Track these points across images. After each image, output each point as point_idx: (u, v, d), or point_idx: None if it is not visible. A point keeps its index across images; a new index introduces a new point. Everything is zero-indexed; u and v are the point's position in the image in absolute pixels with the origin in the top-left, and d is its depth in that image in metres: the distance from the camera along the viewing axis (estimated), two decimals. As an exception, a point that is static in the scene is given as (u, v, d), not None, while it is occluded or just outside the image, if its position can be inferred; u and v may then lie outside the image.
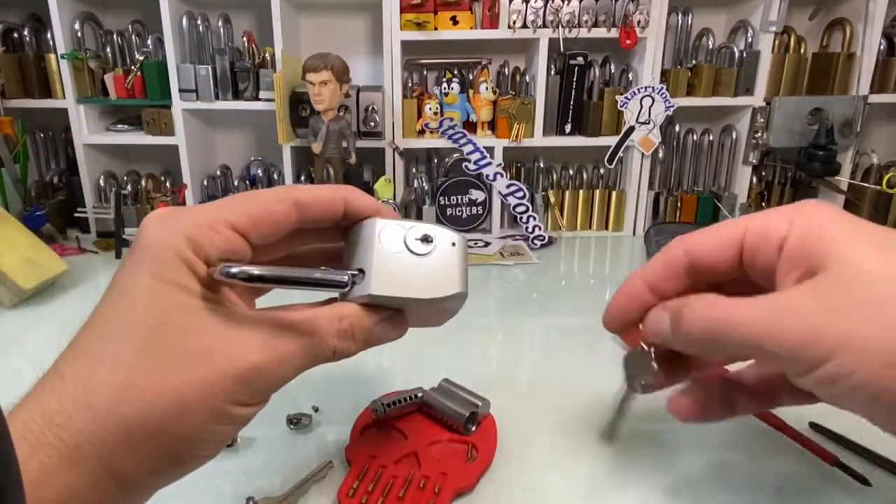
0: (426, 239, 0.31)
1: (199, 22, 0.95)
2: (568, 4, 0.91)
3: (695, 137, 1.03)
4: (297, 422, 0.47)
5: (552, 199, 1.01)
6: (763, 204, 1.05)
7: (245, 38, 0.97)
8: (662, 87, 0.95)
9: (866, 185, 0.99)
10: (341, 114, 0.90)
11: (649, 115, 0.96)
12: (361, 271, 0.30)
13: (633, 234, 1.03)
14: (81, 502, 0.22)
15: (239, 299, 0.31)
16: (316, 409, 0.49)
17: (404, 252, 0.31)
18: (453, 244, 0.32)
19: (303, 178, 1.00)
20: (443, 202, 0.99)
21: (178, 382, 0.24)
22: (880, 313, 0.22)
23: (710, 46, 1.00)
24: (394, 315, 0.32)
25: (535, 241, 0.96)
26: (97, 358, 0.24)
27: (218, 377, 0.24)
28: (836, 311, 0.22)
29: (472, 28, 0.93)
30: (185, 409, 0.24)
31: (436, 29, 0.93)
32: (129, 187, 1.00)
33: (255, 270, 0.26)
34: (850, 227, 0.24)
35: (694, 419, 0.33)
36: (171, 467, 0.25)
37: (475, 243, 0.94)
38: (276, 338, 0.27)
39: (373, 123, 0.96)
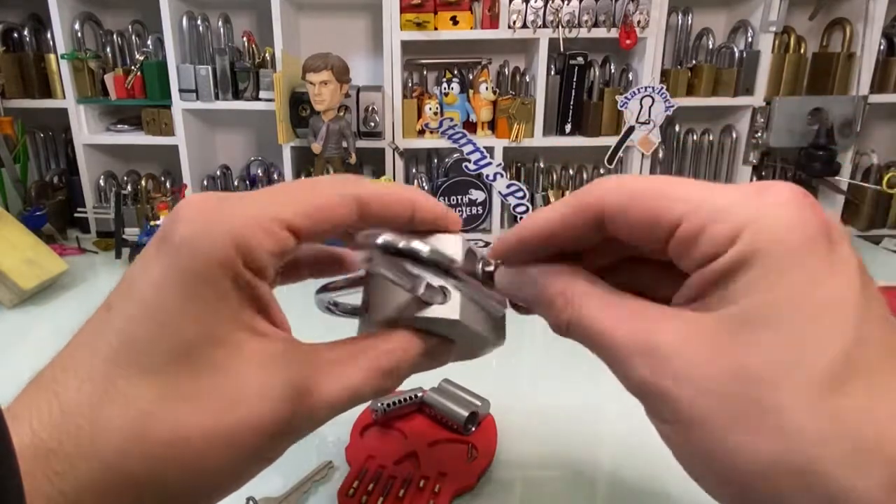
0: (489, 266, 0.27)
1: (199, 22, 0.95)
2: (568, 4, 0.91)
3: (695, 137, 1.03)
4: (297, 422, 0.47)
5: (552, 199, 1.01)
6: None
7: (245, 38, 0.97)
8: (662, 87, 0.95)
9: (866, 185, 0.99)
10: (341, 114, 0.90)
11: (649, 115, 0.96)
12: (443, 289, 0.26)
13: (633, 234, 1.03)
14: None
15: (284, 319, 0.25)
16: (316, 410, 0.49)
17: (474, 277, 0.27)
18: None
19: (303, 177, 1.00)
20: (443, 202, 0.99)
21: (200, 439, 0.20)
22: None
23: (710, 46, 1.00)
24: (441, 345, 0.27)
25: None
26: (107, 388, 0.19)
27: (244, 433, 0.20)
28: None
29: (472, 28, 0.93)
30: (203, 464, 0.20)
31: (436, 29, 0.93)
32: (129, 187, 1.00)
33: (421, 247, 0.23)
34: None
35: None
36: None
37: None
38: (311, 381, 0.22)
39: (373, 123, 0.96)
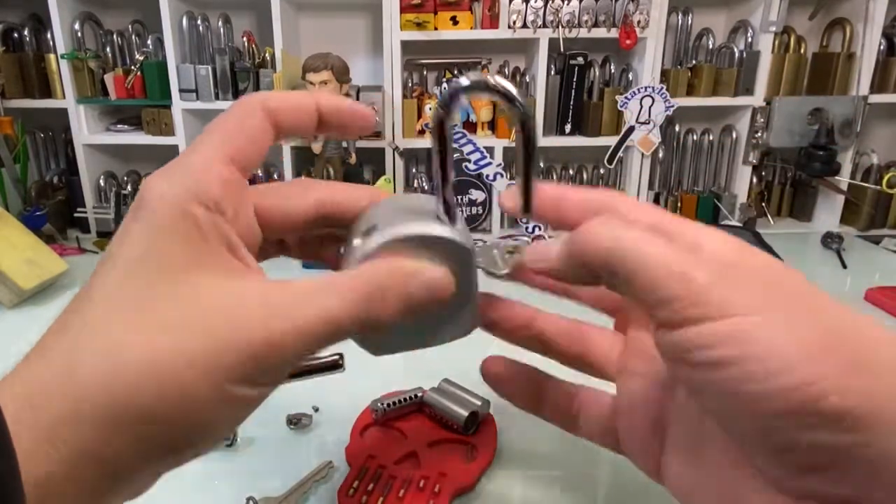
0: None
1: (199, 22, 0.95)
2: (568, 4, 0.91)
3: (695, 137, 1.03)
4: (297, 422, 0.47)
5: (552, 199, 1.01)
6: (763, 204, 1.05)
7: (245, 38, 0.97)
8: (662, 87, 0.95)
9: (866, 185, 0.99)
10: (341, 114, 0.89)
11: (649, 115, 0.96)
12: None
13: (633, 234, 1.03)
14: (61, 491, 0.19)
15: (255, 261, 0.26)
16: (316, 409, 0.49)
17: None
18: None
19: (302, 177, 1.00)
20: (443, 202, 0.99)
21: (176, 354, 0.20)
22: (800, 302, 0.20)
23: (710, 46, 1.00)
24: (433, 267, 0.26)
25: (536, 241, 0.96)
26: (84, 322, 0.20)
27: (224, 350, 0.20)
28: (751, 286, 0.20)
29: (472, 28, 0.93)
30: (182, 388, 0.20)
31: (436, 29, 0.93)
32: (129, 187, 1.00)
33: None
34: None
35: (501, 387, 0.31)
36: (166, 455, 0.21)
37: (475, 243, 0.94)
38: (293, 307, 0.22)
39: (373, 123, 0.96)
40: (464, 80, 0.24)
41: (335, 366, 0.27)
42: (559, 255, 0.25)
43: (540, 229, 0.97)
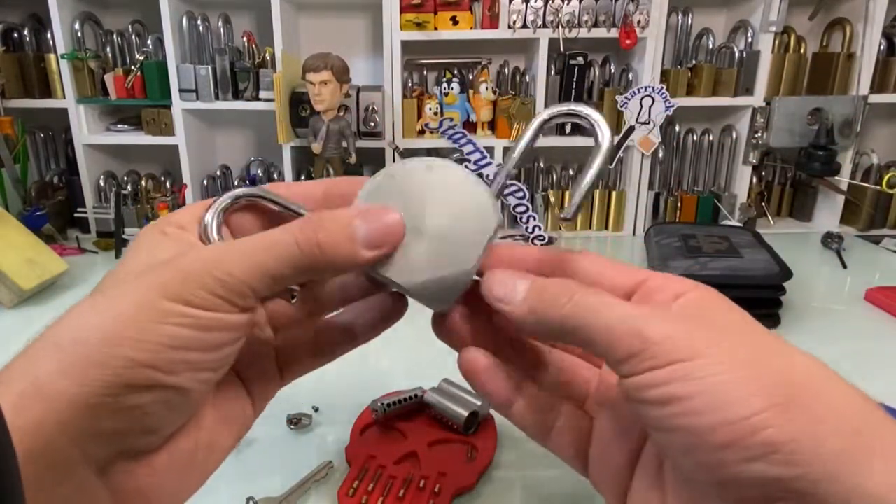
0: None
1: (199, 22, 0.95)
2: (568, 4, 0.91)
3: (695, 137, 1.03)
4: (297, 422, 0.47)
5: (552, 199, 1.01)
6: (763, 204, 1.05)
7: (245, 38, 0.97)
8: (662, 87, 0.95)
9: (866, 185, 0.99)
10: (341, 114, 0.90)
11: (649, 115, 0.96)
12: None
13: (633, 234, 1.03)
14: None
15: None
16: (316, 409, 0.49)
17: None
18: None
19: (303, 177, 1.00)
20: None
21: (118, 292, 0.23)
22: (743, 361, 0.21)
23: (710, 46, 1.00)
24: (379, 209, 0.26)
25: (535, 241, 0.96)
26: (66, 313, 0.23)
27: (155, 276, 0.23)
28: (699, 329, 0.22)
29: (472, 28, 0.93)
30: (116, 309, 0.22)
31: (436, 29, 0.93)
32: (129, 187, 1.00)
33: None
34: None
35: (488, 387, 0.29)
36: (119, 404, 0.21)
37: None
38: (232, 242, 0.25)
39: (373, 123, 0.96)
40: (563, 107, 0.27)
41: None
42: (522, 304, 0.25)
43: (539, 229, 0.97)
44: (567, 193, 1.02)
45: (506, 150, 0.98)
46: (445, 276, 0.26)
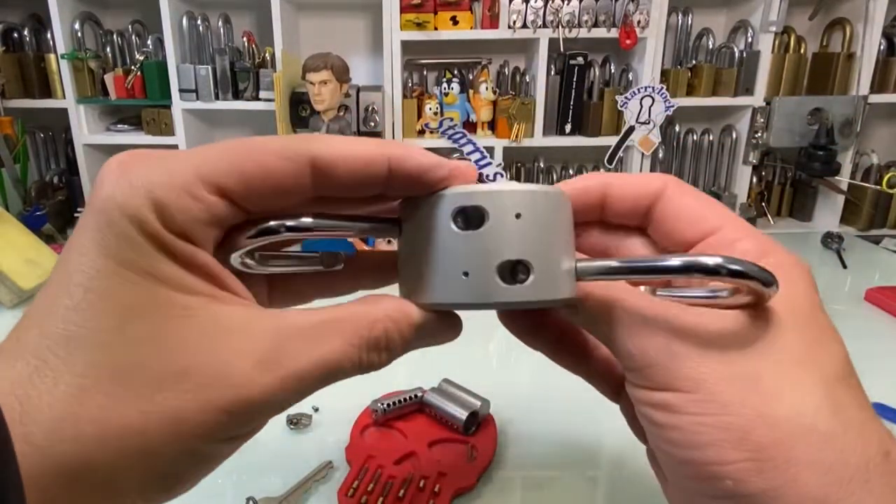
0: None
1: (199, 22, 0.95)
2: (568, 4, 0.91)
3: (695, 137, 1.03)
4: (297, 422, 0.47)
5: (552, 199, 1.01)
6: (763, 204, 1.05)
7: (245, 38, 0.97)
8: (662, 87, 0.95)
9: (866, 185, 0.99)
10: (341, 114, 0.90)
11: (649, 115, 0.96)
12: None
13: (633, 234, 1.03)
14: None
15: (245, 289, 0.21)
16: (316, 409, 0.49)
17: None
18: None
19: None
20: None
21: (138, 415, 0.17)
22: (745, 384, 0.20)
23: (710, 46, 1.00)
24: (441, 320, 0.23)
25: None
26: (38, 365, 0.17)
27: (193, 410, 0.17)
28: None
29: (472, 28, 0.93)
30: (146, 452, 0.17)
31: (436, 29, 0.93)
32: (129, 187, 1.00)
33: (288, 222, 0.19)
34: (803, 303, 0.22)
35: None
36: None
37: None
38: (278, 351, 0.19)
39: (373, 123, 0.96)
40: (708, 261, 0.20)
41: None
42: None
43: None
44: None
45: (506, 150, 0.98)
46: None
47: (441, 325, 0.23)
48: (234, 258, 0.20)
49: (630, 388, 0.22)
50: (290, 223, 0.20)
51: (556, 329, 0.28)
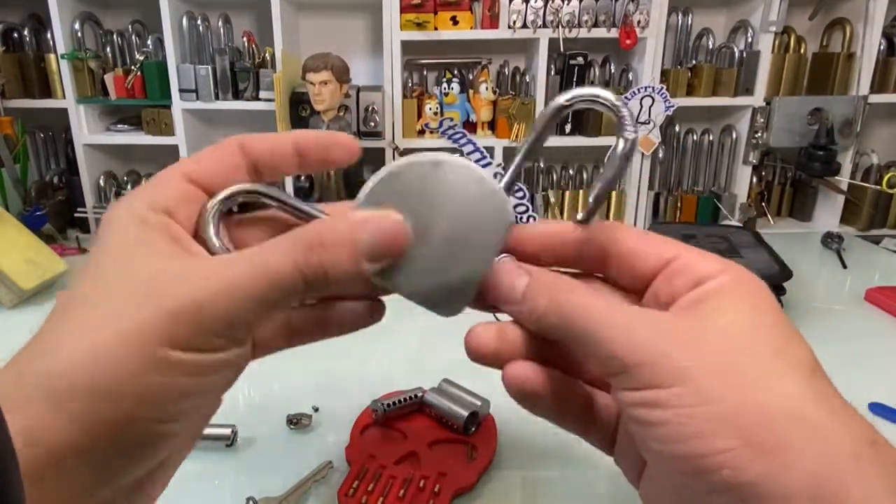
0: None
1: (199, 22, 0.95)
2: (568, 4, 0.91)
3: (695, 137, 1.03)
4: (297, 422, 0.47)
5: (552, 199, 1.01)
6: (763, 204, 1.05)
7: (245, 38, 0.97)
8: (662, 87, 0.95)
9: (866, 185, 0.99)
10: (341, 114, 0.90)
11: (649, 115, 0.96)
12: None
13: (633, 234, 1.03)
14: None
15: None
16: (316, 409, 0.49)
17: None
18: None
19: (302, 177, 1.00)
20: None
21: (106, 325, 0.20)
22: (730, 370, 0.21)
23: (710, 46, 1.00)
24: (384, 213, 0.24)
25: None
26: (43, 329, 0.22)
27: (150, 316, 0.20)
28: (691, 345, 0.21)
29: (472, 28, 0.93)
30: (112, 357, 0.20)
31: (436, 29, 0.93)
32: (129, 187, 1.00)
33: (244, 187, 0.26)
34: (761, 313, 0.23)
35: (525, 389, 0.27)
36: (122, 453, 0.21)
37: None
38: (226, 265, 0.22)
39: (373, 123, 0.96)
40: (583, 91, 0.24)
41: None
42: (523, 304, 0.25)
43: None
44: (567, 194, 1.02)
45: (506, 150, 0.98)
46: (452, 282, 0.25)
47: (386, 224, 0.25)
48: (205, 217, 0.25)
49: (616, 394, 0.22)
50: (233, 189, 0.26)
51: (559, 393, 0.28)
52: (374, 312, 0.28)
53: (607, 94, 0.24)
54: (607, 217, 1.03)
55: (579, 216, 0.26)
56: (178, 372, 0.21)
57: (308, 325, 0.28)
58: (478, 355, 0.25)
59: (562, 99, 0.24)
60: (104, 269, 0.22)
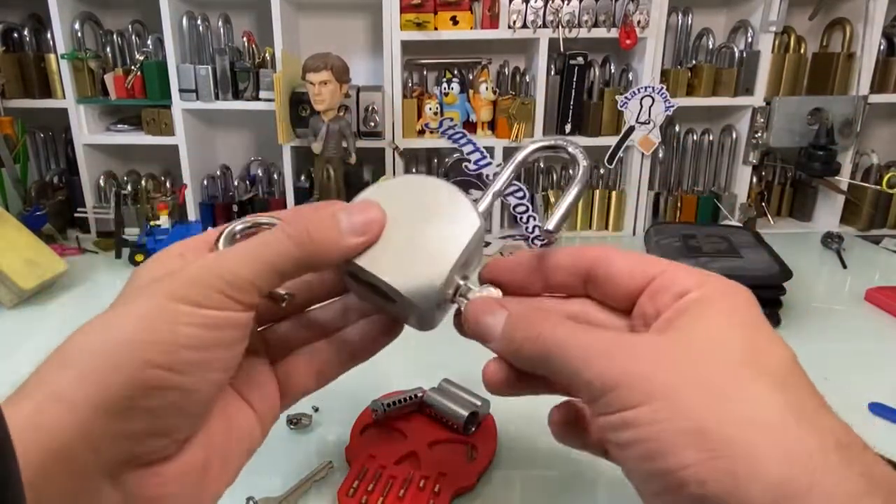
0: None
1: (199, 22, 0.95)
2: (568, 4, 0.91)
3: (695, 137, 1.03)
4: (297, 422, 0.47)
5: (552, 199, 1.01)
6: (763, 204, 1.05)
7: (245, 38, 0.97)
8: (662, 87, 0.95)
9: (866, 185, 0.99)
10: (341, 114, 0.90)
11: (649, 115, 0.96)
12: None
13: (633, 234, 1.03)
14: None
15: None
16: (316, 409, 0.49)
17: None
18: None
19: (303, 177, 1.00)
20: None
21: (135, 300, 0.24)
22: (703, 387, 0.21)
23: (710, 46, 1.00)
24: (366, 204, 0.28)
25: (535, 242, 0.96)
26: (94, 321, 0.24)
27: (169, 285, 0.24)
28: (667, 365, 0.22)
29: (472, 28, 0.93)
30: (127, 313, 0.23)
31: (436, 29, 0.93)
32: (129, 187, 1.00)
33: None
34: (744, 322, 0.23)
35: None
36: (133, 405, 0.22)
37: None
38: (230, 251, 0.26)
39: (373, 123, 0.96)
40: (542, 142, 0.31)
41: None
42: (501, 339, 0.27)
43: (540, 229, 0.97)
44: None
45: (506, 150, 0.98)
46: (420, 280, 0.27)
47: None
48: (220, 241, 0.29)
49: (596, 421, 0.23)
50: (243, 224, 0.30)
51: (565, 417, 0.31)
52: (390, 331, 0.31)
53: (563, 142, 0.31)
54: (608, 217, 1.03)
55: (548, 225, 0.28)
56: (190, 323, 0.23)
57: (332, 366, 0.31)
58: (496, 391, 0.29)
59: (530, 148, 0.31)
60: (140, 277, 0.27)
